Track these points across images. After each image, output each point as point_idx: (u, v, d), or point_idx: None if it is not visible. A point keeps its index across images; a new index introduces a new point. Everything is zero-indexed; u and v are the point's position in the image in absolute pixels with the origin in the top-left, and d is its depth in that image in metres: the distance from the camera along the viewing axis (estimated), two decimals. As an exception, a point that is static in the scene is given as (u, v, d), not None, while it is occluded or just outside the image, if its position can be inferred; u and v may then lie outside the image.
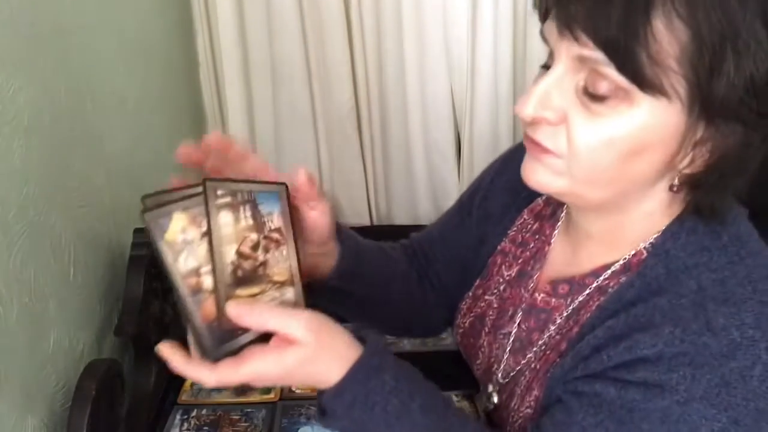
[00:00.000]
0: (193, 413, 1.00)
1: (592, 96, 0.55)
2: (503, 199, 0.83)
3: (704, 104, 0.53)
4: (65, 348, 0.87)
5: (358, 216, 1.75)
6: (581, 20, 0.53)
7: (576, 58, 0.56)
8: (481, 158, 1.68)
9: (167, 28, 1.40)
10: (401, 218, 1.78)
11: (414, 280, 0.89)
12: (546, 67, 0.60)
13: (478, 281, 0.84)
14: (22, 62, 0.78)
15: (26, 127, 0.79)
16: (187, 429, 0.98)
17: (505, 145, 1.65)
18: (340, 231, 0.77)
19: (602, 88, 0.54)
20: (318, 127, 1.67)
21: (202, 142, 0.69)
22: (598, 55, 0.53)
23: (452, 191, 1.72)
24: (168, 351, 0.58)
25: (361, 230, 1.78)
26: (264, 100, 1.65)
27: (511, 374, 0.74)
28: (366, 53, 1.60)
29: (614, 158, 0.56)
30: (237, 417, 0.99)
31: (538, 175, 0.62)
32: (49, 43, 0.86)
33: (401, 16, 1.54)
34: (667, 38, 0.51)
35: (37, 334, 0.80)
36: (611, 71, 0.53)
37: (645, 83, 0.52)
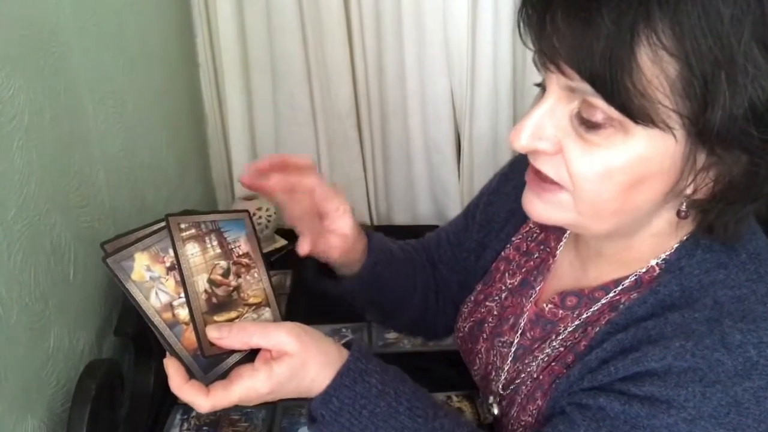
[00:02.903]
0: (193, 413, 1.00)
1: (587, 123, 0.54)
2: (508, 205, 0.82)
3: (700, 135, 0.51)
4: (65, 348, 0.87)
5: (357, 215, 1.73)
6: (565, 54, 0.52)
7: (566, 88, 0.54)
8: (481, 158, 1.68)
9: (167, 28, 1.40)
10: (401, 218, 1.78)
11: (432, 287, 0.90)
12: (540, 86, 0.59)
13: (480, 286, 0.84)
14: (22, 62, 0.78)
15: (26, 127, 0.79)
16: (187, 429, 0.98)
17: (505, 145, 1.65)
18: (369, 238, 0.81)
19: (596, 116, 0.53)
20: (318, 127, 1.67)
21: (256, 167, 0.73)
22: (585, 86, 0.52)
23: (452, 191, 1.72)
24: (172, 368, 0.59)
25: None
26: (264, 100, 1.65)
27: (511, 386, 0.74)
28: (366, 53, 1.60)
29: (615, 190, 0.55)
30: (237, 417, 0.99)
31: (538, 209, 0.61)
32: (49, 43, 0.86)
33: (401, 16, 1.54)
34: (654, 72, 0.49)
35: (37, 334, 0.80)
36: (600, 102, 0.52)
37: (635, 115, 0.51)
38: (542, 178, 0.60)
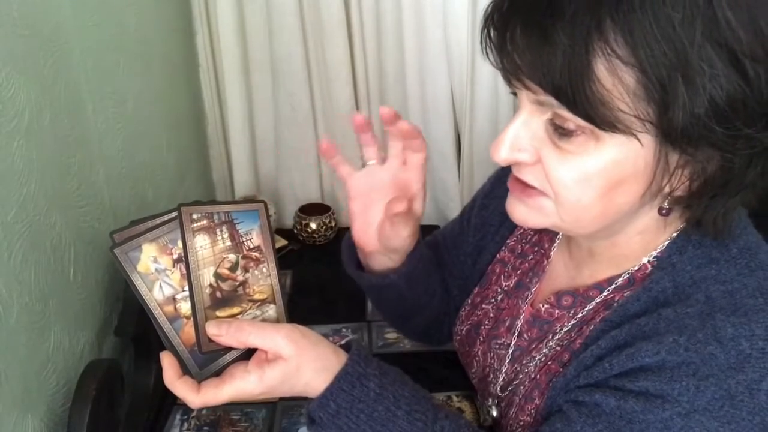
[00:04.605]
0: (193, 413, 1.01)
1: (560, 131, 0.55)
2: (502, 208, 0.82)
3: (666, 136, 0.52)
4: (65, 348, 0.87)
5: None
6: (526, 69, 0.53)
7: (535, 102, 0.56)
8: (481, 158, 1.68)
9: (167, 28, 1.40)
10: (401, 218, 1.78)
11: (443, 289, 0.90)
12: (515, 94, 0.60)
13: (476, 289, 0.84)
14: (22, 62, 0.78)
15: (26, 127, 0.79)
16: (187, 429, 0.98)
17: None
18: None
19: (567, 125, 0.54)
20: (318, 127, 1.67)
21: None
22: (551, 99, 0.53)
23: (452, 191, 1.72)
24: (167, 362, 0.60)
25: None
26: (264, 100, 1.65)
27: (509, 387, 0.74)
28: (366, 53, 1.60)
29: (594, 194, 0.56)
30: (237, 417, 0.99)
31: (522, 213, 0.63)
32: (49, 43, 0.86)
33: (401, 16, 1.54)
34: (612, 81, 0.51)
35: (37, 334, 0.80)
36: (567, 113, 0.53)
37: (600, 123, 0.52)
38: (524, 184, 0.61)
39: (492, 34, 0.57)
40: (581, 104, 0.51)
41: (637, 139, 0.53)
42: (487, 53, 0.59)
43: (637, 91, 0.51)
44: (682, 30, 0.49)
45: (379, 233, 0.74)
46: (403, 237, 0.73)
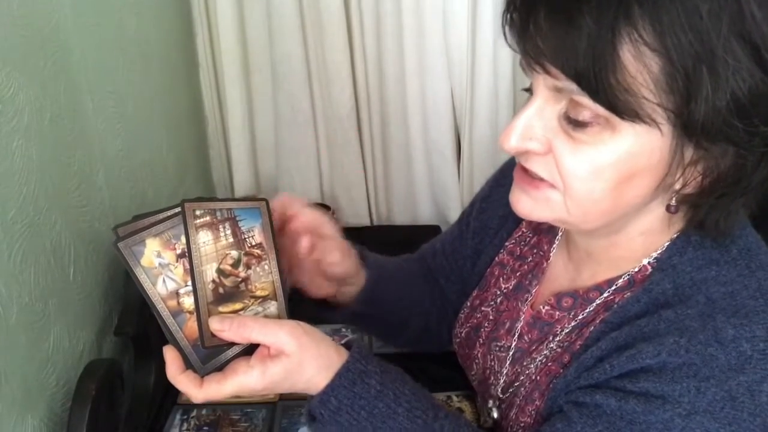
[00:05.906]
0: (193, 413, 1.00)
1: (574, 122, 0.54)
2: (500, 211, 0.83)
3: (686, 128, 0.52)
4: (65, 348, 0.87)
5: (357, 216, 1.75)
6: (549, 54, 0.53)
7: (553, 88, 0.55)
8: (481, 158, 1.68)
9: (167, 29, 1.40)
10: (401, 218, 1.78)
11: (435, 296, 0.90)
12: (528, 90, 0.60)
13: (476, 292, 0.84)
14: (22, 62, 0.78)
15: (26, 126, 0.79)
16: (187, 429, 0.98)
17: (505, 145, 1.64)
18: (364, 258, 0.80)
19: (583, 115, 0.54)
20: (318, 127, 1.67)
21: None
22: (571, 85, 0.53)
23: (452, 191, 1.72)
24: (169, 357, 0.60)
25: (361, 230, 1.77)
26: (264, 100, 1.65)
27: (510, 389, 0.74)
28: (366, 53, 1.60)
29: (605, 187, 0.56)
30: (237, 417, 0.99)
31: (526, 206, 0.62)
32: (49, 43, 0.86)
33: (401, 16, 1.53)
34: (637, 68, 0.50)
35: (37, 334, 0.80)
36: (587, 100, 0.52)
37: (621, 111, 0.51)
38: (531, 175, 0.60)
39: (514, 17, 0.56)
40: (603, 91, 0.51)
41: (659, 128, 0.52)
42: (506, 37, 0.58)
43: (661, 79, 0.50)
44: (708, 21, 0.48)
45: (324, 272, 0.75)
46: (338, 271, 0.75)
